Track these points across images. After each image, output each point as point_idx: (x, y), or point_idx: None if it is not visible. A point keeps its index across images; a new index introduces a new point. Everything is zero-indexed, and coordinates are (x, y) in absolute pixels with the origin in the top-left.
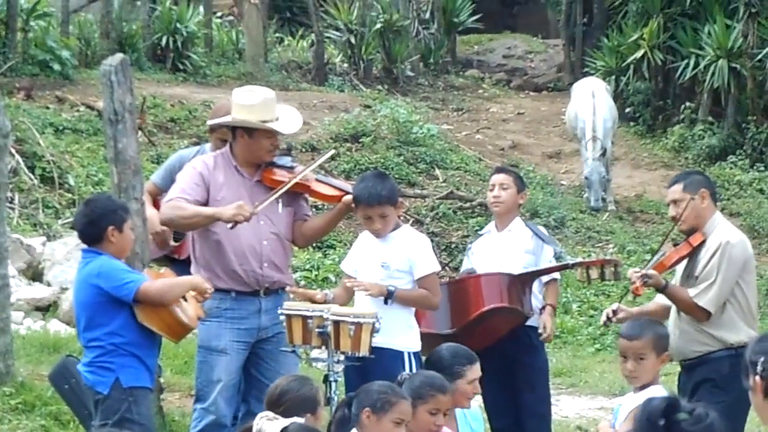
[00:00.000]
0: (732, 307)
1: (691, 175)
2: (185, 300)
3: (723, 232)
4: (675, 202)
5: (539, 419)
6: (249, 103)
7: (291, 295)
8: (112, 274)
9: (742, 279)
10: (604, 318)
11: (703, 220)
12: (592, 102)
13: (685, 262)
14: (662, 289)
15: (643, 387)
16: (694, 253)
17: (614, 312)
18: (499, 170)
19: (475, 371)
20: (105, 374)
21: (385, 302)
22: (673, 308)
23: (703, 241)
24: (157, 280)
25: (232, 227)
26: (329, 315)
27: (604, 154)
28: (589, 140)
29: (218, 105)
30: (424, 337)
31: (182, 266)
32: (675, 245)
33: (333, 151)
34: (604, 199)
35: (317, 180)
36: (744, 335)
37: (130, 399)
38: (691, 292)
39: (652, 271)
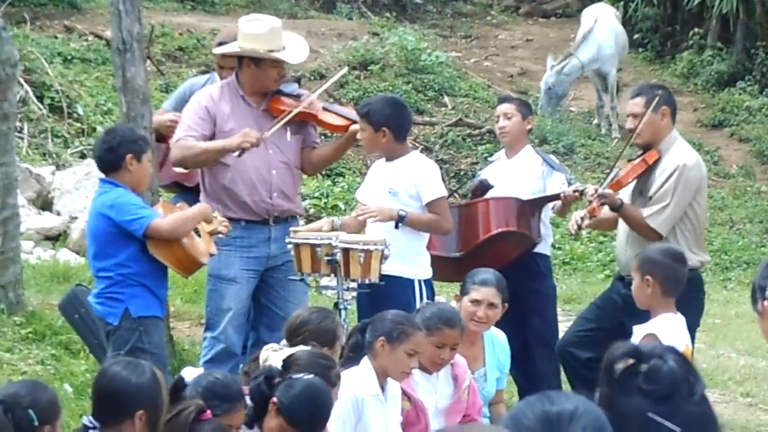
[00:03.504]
0: (681, 233)
1: (654, 90)
2: (199, 235)
3: (680, 153)
4: (635, 115)
5: (546, 346)
6: (255, 32)
7: (300, 221)
8: (125, 207)
9: (695, 201)
10: (574, 226)
11: (660, 137)
12: (591, 26)
13: (636, 178)
14: (617, 208)
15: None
16: (647, 172)
17: (582, 219)
18: (502, 100)
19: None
20: (114, 305)
21: (396, 227)
22: (624, 225)
23: (658, 159)
24: (168, 216)
25: (239, 155)
26: (338, 243)
27: (562, 70)
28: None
29: (224, 31)
30: (434, 260)
31: (191, 194)
32: (629, 161)
33: (345, 70)
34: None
35: (324, 109)
36: (695, 258)
37: (140, 329)
38: (645, 212)
39: (608, 191)
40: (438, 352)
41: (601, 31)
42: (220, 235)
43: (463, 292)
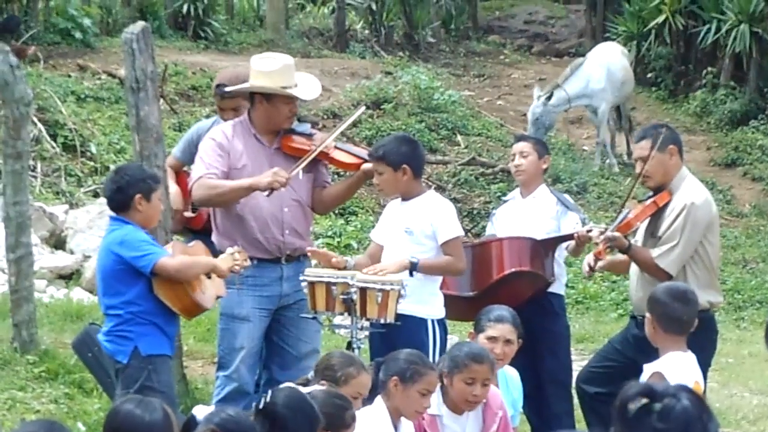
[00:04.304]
0: (692, 272)
1: (659, 131)
2: (209, 277)
3: (688, 192)
4: (642, 159)
5: (559, 386)
6: (268, 69)
7: (313, 261)
8: (134, 244)
9: (706, 239)
10: (586, 268)
11: (670, 176)
12: (581, 61)
13: (647, 219)
14: (625, 250)
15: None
16: (658, 212)
17: (594, 261)
18: (518, 138)
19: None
20: (124, 343)
21: (411, 274)
22: (636, 265)
23: (669, 200)
24: (177, 257)
25: (269, 194)
26: (355, 282)
27: (549, 97)
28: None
29: (222, 74)
30: (447, 299)
31: (201, 237)
32: (639, 202)
33: (362, 108)
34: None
35: (337, 147)
36: (703, 298)
37: (149, 367)
38: (654, 252)
39: (615, 234)
40: (469, 389)
41: (592, 66)
42: (236, 268)
43: (478, 329)
